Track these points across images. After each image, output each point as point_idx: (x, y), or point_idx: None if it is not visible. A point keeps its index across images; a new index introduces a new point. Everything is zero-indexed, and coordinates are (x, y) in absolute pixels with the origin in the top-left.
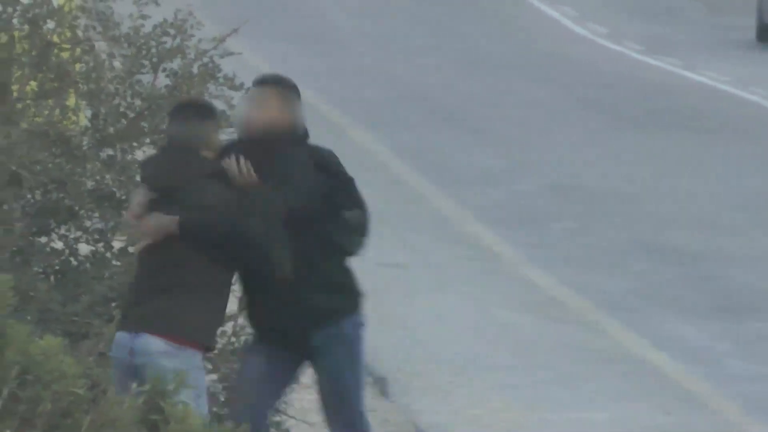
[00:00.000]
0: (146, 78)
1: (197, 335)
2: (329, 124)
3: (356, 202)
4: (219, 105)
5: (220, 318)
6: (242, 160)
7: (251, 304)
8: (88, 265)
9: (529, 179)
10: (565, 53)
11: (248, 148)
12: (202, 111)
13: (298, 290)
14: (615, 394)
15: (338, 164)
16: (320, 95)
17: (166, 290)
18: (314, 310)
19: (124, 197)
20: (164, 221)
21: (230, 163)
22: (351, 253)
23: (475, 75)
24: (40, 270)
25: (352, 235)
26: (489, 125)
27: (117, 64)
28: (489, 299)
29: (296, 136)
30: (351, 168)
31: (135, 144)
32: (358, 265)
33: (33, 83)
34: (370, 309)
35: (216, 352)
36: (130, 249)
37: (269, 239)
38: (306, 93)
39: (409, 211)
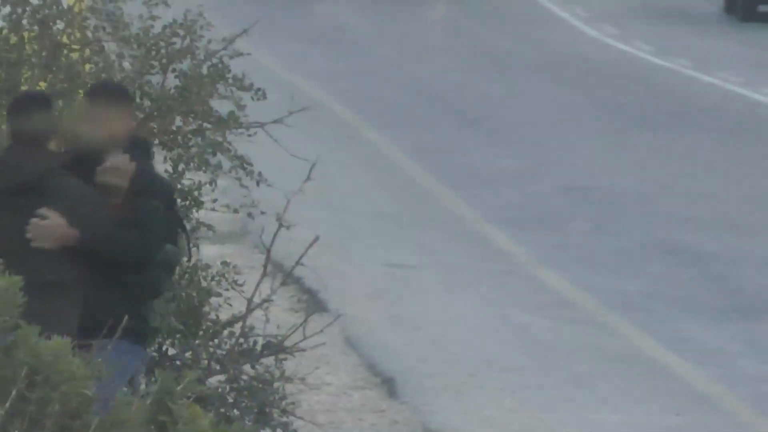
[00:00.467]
0: (156, 79)
1: (71, 331)
2: (343, 124)
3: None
4: (228, 105)
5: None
6: (128, 157)
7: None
8: None
9: (543, 180)
10: (576, 54)
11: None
12: (43, 102)
13: (95, 298)
14: (628, 395)
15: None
16: (334, 95)
17: (38, 287)
18: (101, 317)
19: None
20: (68, 234)
21: (118, 161)
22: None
23: (488, 76)
24: None
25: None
26: (503, 126)
27: (126, 64)
28: (502, 300)
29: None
30: (364, 168)
31: None
32: (370, 264)
33: (43, 84)
34: (381, 309)
35: (224, 353)
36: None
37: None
38: (320, 93)
39: (422, 211)
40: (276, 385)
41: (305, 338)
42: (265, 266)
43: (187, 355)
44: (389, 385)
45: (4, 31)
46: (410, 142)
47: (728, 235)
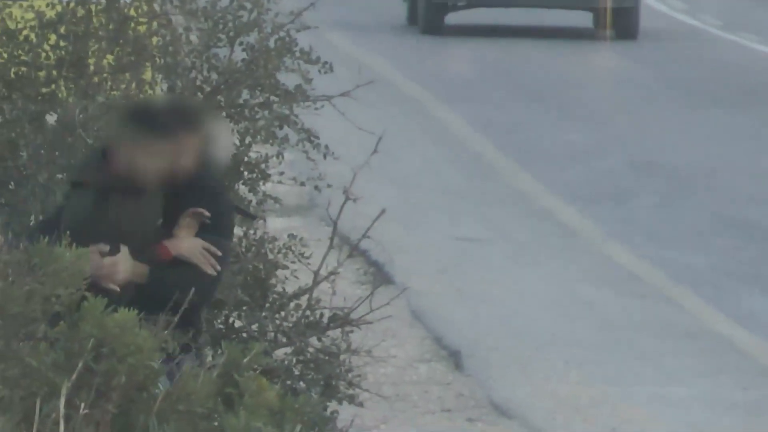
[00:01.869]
0: (223, 52)
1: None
2: (410, 100)
3: None
4: (295, 79)
5: None
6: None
7: None
8: None
9: (611, 155)
10: (645, 29)
11: None
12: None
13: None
14: (695, 369)
15: None
16: (402, 71)
17: None
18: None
19: None
20: (136, 271)
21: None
22: None
23: (554, 50)
24: None
25: None
26: (571, 102)
27: (194, 37)
28: (569, 275)
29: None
30: (431, 143)
31: None
32: (438, 239)
33: (110, 57)
34: (448, 283)
35: (290, 325)
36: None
37: None
38: (388, 69)
39: (490, 186)
40: (342, 357)
41: (372, 311)
42: (331, 239)
43: (254, 327)
44: (455, 358)
45: (72, 4)
46: (477, 117)
47: None
